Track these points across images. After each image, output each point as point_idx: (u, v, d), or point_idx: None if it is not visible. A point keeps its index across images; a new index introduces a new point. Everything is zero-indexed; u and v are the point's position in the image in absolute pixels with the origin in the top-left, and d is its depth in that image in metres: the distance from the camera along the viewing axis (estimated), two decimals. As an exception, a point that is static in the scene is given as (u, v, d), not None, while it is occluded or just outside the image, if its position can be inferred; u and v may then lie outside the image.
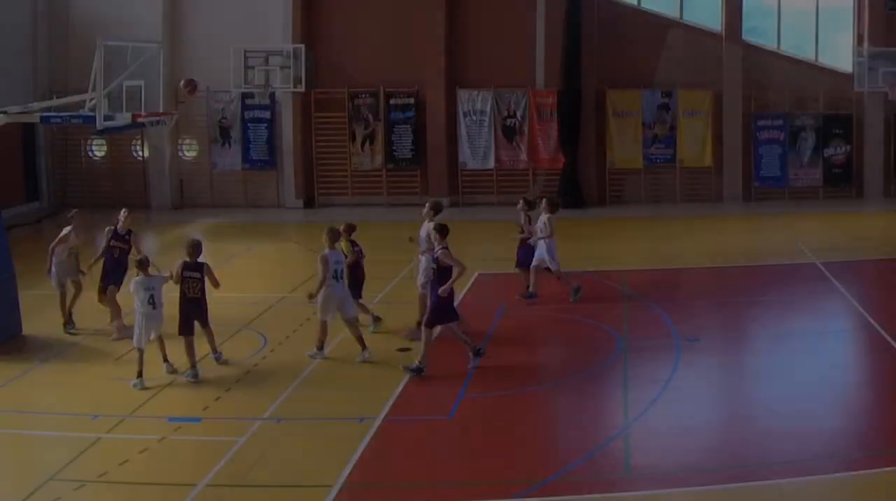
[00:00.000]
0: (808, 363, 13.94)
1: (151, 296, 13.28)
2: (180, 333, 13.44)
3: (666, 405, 12.22)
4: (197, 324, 13.62)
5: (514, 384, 13.34)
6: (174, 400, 12.75)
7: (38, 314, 16.73)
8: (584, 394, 12.85)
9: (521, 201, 17.66)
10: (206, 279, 13.60)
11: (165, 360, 13.53)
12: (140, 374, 13.06)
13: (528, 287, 17.36)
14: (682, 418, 11.78)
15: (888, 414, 11.80)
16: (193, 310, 13.52)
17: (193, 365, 13.31)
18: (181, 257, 13.75)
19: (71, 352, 14.88)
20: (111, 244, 15.54)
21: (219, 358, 14.00)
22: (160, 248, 22.05)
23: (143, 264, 13.54)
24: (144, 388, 12.94)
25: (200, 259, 13.69)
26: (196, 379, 13.24)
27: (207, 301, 13.72)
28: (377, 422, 11.74)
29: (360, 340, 14.17)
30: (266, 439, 11.32)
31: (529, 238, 17.37)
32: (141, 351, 13.20)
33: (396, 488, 10.15)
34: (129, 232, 15.73)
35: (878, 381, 13.27)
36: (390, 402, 12.41)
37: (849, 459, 10.48)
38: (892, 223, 25.17)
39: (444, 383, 13.23)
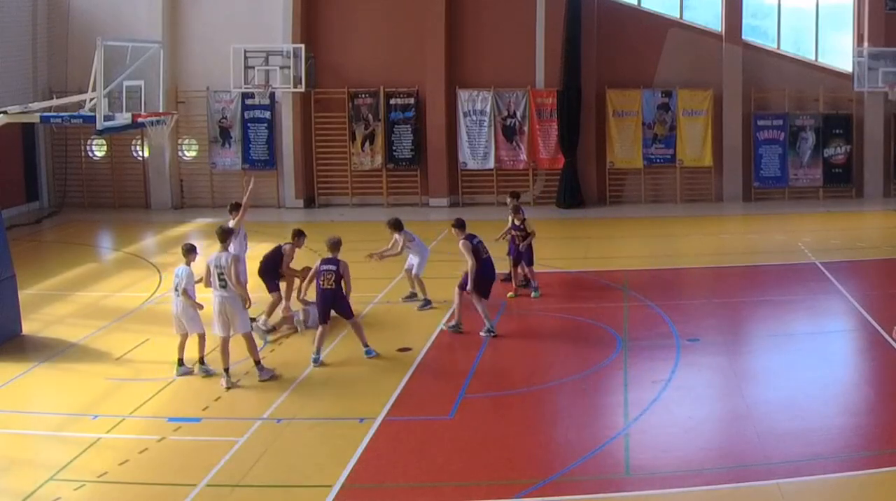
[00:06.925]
0: (808, 363, 13.94)
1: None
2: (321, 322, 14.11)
3: (666, 405, 12.23)
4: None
5: (514, 384, 13.36)
6: (174, 400, 12.75)
7: (38, 314, 16.76)
8: (584, 394, 12.85)
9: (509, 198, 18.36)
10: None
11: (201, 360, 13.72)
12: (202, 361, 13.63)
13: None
14: (682, 418, 11.78)
15: (888, 414, 11.79)
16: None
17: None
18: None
19: (71, 352, 14.88)
20: None
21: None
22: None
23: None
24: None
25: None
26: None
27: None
28: (377, 422, 11.75)
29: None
30: (266, 439, 11.32)
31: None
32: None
33: (396, 488, 10.15)
34: None
35: (878, 381, 13.26)
36: (390, 402, 12.42)
37: (849, 459, 10.48)
38: (892, 223, 25.17)
39: (444, 383, 13.25)
